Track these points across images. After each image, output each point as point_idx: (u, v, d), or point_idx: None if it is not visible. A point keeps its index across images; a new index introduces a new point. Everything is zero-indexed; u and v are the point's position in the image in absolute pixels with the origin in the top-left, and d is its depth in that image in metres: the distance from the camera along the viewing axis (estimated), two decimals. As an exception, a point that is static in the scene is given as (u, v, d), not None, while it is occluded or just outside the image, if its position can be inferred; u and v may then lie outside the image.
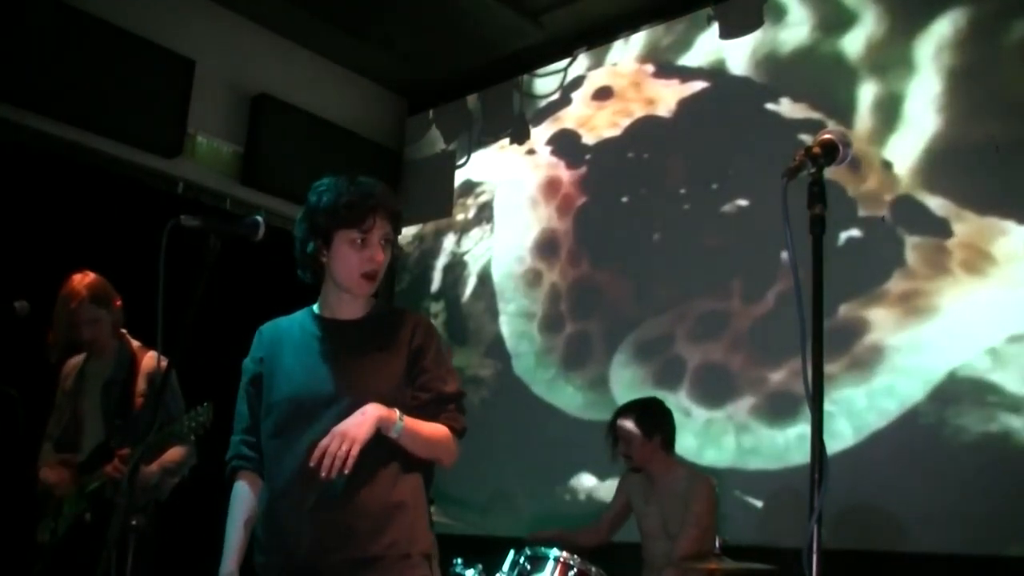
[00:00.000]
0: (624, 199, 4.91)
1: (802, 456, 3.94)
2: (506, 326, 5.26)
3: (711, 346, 4.37)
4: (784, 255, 4.13)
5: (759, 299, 4.26)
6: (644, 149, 4.89)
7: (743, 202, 4.44)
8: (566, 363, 4.92)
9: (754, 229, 4.34)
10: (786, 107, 4.32)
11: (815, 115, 4.20)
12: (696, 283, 4.53)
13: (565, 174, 5.18)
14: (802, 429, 3.99)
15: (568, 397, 4.85)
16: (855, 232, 3.99)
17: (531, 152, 5.36)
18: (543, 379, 4.99)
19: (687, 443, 4.32)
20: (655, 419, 3.67)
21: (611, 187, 4.98)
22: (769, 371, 4.11)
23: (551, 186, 5.23)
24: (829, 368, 3.88)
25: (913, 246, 3.84)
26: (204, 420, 3.09)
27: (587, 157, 5.12)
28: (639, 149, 4.91)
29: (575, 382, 4.85)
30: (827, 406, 3.83)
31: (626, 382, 4.62)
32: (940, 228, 3.77)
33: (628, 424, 3.65)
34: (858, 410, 3.80)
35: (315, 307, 2.27)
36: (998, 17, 3.77)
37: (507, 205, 5.42)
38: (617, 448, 3.72)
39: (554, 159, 5.25)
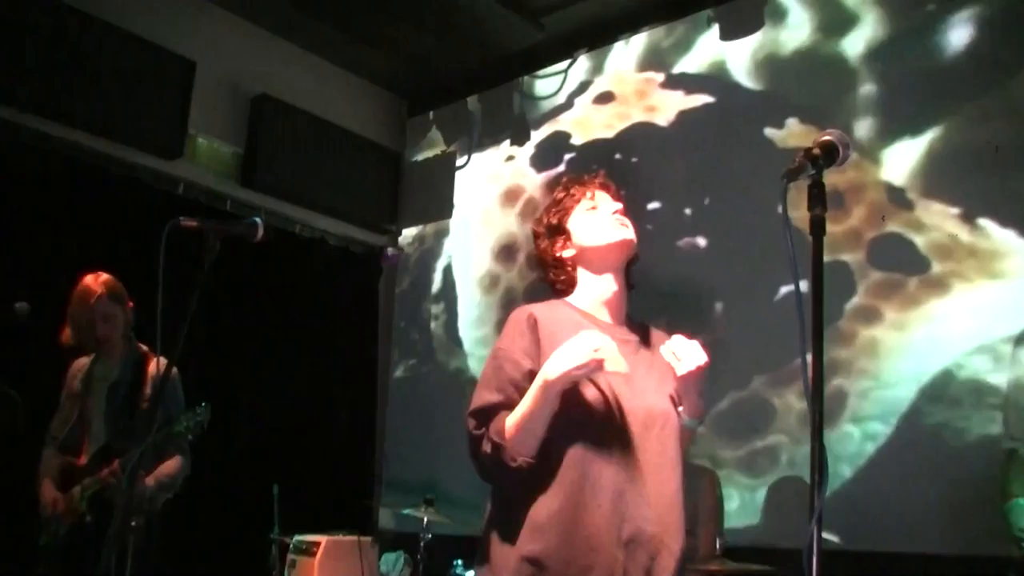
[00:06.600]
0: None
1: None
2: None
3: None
4: (719, 306, 4.25)
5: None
6: (634, 153, 4.86)
7: (701, 242, 4.43)
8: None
9: (698, 275, 4.35)
10: (789, 125, 4.26)
11: (813, 133, 4.16)
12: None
13: (548, 174, 5.17)
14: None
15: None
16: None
17: (527, 152, 5.35)
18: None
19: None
20: None
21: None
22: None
23: (525, 187, 5.25)
24: (724, 453, 4.02)
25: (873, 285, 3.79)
26: (202, 420, 3.07)
27: (573, 156, 5.10)
28: (628, 153, 4.87)
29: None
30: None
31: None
32: (918, 265, 3.75)
33: None
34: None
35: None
36: (999, 19, 3.77)
37: (498, 204, 5.43)
38: None
39: (543, 159, 5.24)
